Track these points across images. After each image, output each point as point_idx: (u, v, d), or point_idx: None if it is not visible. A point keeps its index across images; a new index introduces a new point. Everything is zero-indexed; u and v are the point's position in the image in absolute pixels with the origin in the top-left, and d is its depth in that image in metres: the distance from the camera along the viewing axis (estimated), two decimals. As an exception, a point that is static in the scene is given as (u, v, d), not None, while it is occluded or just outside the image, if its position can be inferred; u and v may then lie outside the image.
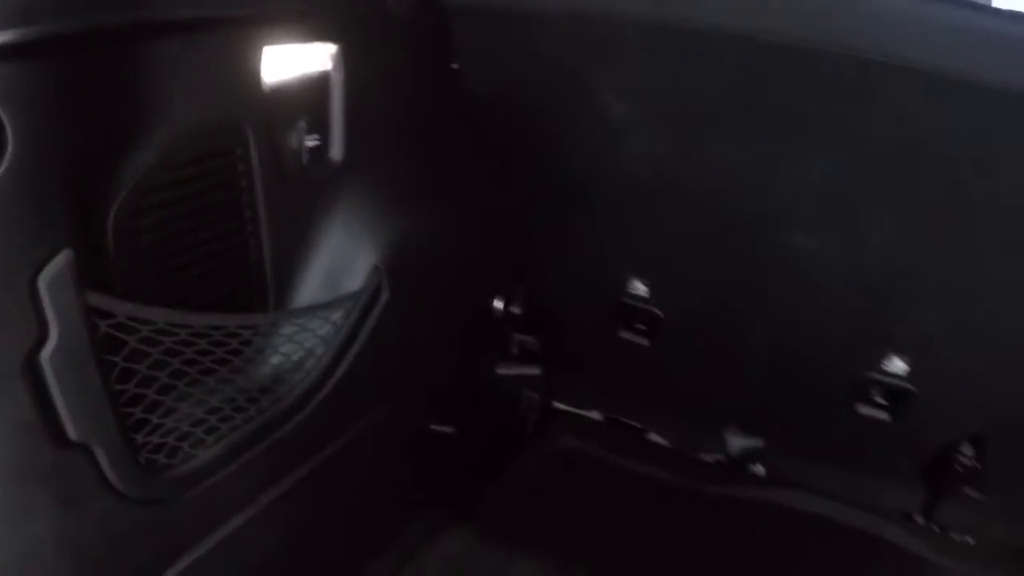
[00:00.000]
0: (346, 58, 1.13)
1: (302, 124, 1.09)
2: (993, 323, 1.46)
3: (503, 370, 1.85)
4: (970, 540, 1.83)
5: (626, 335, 1.80)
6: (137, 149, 0.88)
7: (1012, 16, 1.13)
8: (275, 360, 1.11)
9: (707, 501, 1.88)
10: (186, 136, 0.93)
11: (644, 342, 1.80)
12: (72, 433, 0.84)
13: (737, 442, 1.95)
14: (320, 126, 1.13)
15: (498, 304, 1.73)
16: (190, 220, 0.98)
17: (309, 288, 1.18)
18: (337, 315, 1.17)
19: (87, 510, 0.89)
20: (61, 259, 0.77)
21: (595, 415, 2.06)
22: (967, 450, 1.74)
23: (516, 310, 1.78)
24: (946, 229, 1.35)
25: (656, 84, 1.36)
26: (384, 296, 1.25)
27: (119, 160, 0.86)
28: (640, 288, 1.72)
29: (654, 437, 2.03)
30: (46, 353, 0.79)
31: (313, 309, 1.15)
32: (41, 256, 0.76)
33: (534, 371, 1.87)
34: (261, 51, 0.99)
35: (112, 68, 0.83)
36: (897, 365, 1.61)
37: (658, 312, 1.74)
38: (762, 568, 1.74)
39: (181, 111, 0.92)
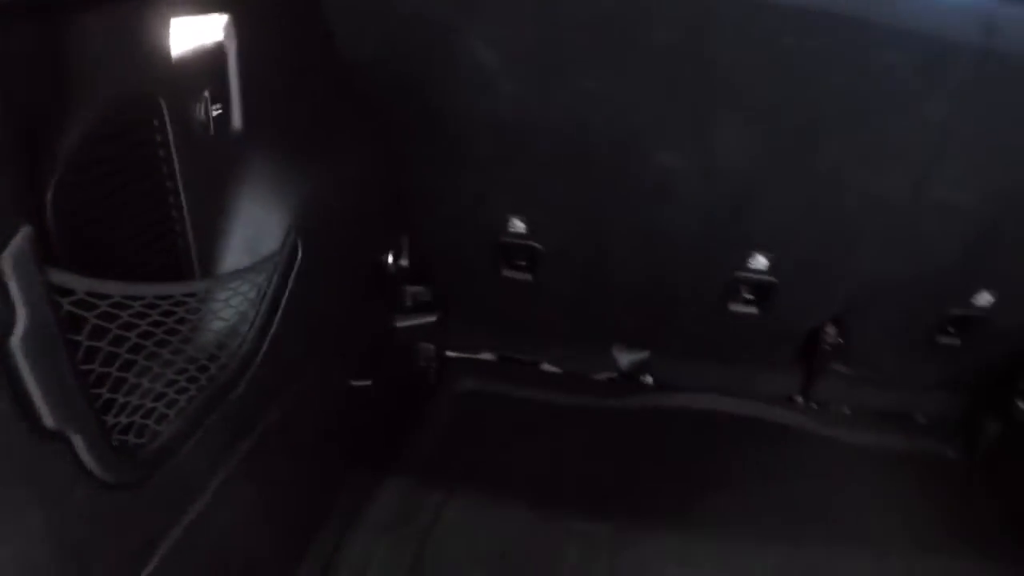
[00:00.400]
0: (237, 28, 1.15)
1: (206, 95, 1.10)
2: (840, 219, 1.67)
3: (401, 322, 1.91)
4: (846, 409, 2.06)
5: (509, 273, 1.90)
6: (66, 126, 0.88)
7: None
8: (215, 327, 1.13)
9: (607, 415, 2.02)
10: (107, 109, 0.93)
11: (527, 277, 1.90)
12: (48, 421, 0.82)
13: (625, 357, 2.10)
14: (221, 96, 1.14)
15: (388, 259, 1.78)
16: (119, 195, 0.98)
17: (231, 255, 1.20)
18: (261, 278, 1.20)
19: (69, 501, 0.88)
20: (22, 237, 0.76)
21: (488, 356, 2.14)
22: (830, 331, 1.96)
23: (404, 263, 1.83)
24: (793, 140, 1.53)
25: (518, 30, 1.45)
26: (299, 256, 1.28)
27: (54, 137, 0.86)
28: (519, 226, 1.81)
29: (547, 367, 2.14)
30: (16, 338, 0.78)
31: (241, 272, 1.17)
32: (3, 235, 0.75)
33: (430, 319, 1.94)
34: (168, 23, 1.00)
35: (40, 43, 0.83)
36: (760, 261, 1.79)
37: (538, 246, 1.84)
38: (671, 466, 1.89)
39: (101, 84, 0.92)
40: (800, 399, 2.10)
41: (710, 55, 1.41)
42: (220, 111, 1.14)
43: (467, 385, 2.06)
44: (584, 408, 2.03)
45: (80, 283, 0.85)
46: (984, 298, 1.79)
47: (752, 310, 1.89)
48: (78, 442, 0.86)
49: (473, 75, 1.51)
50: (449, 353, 2.10)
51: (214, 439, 1.11)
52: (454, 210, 1.82)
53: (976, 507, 1.86)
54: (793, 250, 1.77)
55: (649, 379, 2.12)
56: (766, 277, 1.81)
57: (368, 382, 1.65)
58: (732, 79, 1.44)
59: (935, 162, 1.54)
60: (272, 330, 1.22)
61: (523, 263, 1.89)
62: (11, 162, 0.77)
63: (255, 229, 1.22)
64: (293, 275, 1.27)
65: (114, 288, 0.90)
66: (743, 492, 1.81)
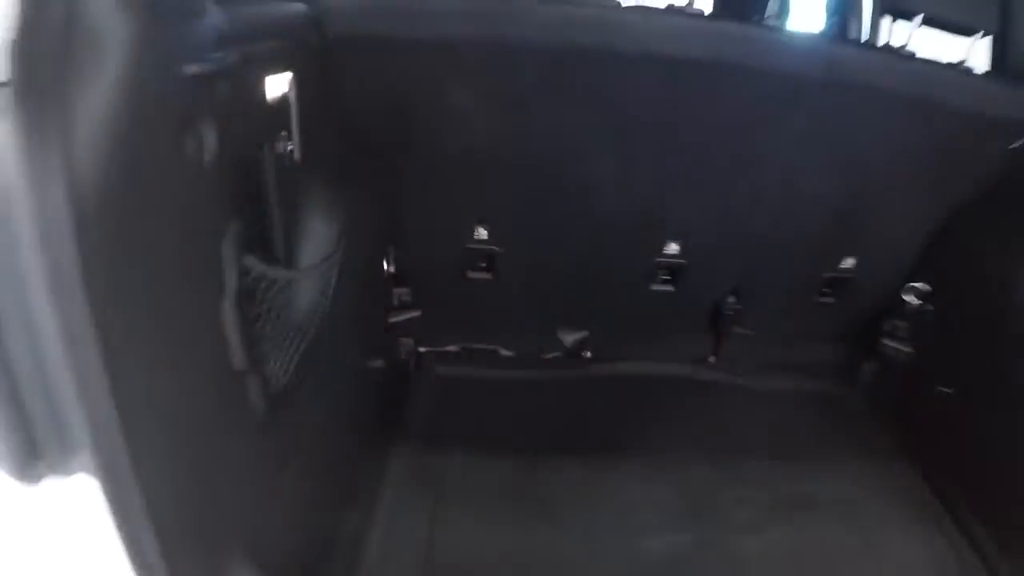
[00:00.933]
0: (296, 82, 1.51)
1: (284, 134, 1.46)
2: (731, 211, 2.16)
3: (392, 319, 2.27)
4: (752, 364, 2.52)
5: (473, 274, 2.29)
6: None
7: (697, 14, 1.87)
8: (301, 304, 1.48)
9: (558, 385, 2.42)
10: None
11: (487, 276, 2.30)
12: (238, 365, 1.18)
13: (568, 337, 2.52)
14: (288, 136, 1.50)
15: (385, 264, 2.15)
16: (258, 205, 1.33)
17: (304, 254, 1.54)
18: (325, 268, 1.56)
19: (249, 430, 1.23)
20: (232, 230, 1.13)
21: (452, 348, 2.51)
22: (731, 300, 2.43)
23: (392, 269, 2.21)
24: (692, 155, 2.02)
25: (486, 79, 1.87)
26: (339, 256, 1.65)
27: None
28: (482, 233, 2.22)
29: (503, 352, 2.53)
30: (226, 303, 1.14)
31: (322, 264, 1.53)
32: (224, 227, 1.11)
33: (415, 314, 2.31)
34: (264, 82, 1.36)
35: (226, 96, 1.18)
36: (672, 248, 2.25)
37: (497, 249, 2.25)
38: (614, 420, 2.30)
39: (248, 125, 1.28)
40: (712, 359, 2.56)
41: (629, 94, 1.88)
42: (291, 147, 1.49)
43: (440, 372, 2.41)
44: (538, 381, 2.42)
45: (256, 266, 1.21)
46: (849, 262, 2.30)
47: (669, 288, 2.35)
48: (250, 382, 1.22)
49: (450, 117, 1.92)
50: (421, 348, 2.45)
51: (308, 383, 1.45)
52: (431, 224, 2.19)
53: (859, 430, 2.34)
54: (697, 237, 2.23)
55: (588, 354, 2.53)
56: (678, 260, 2.27)
57: (380, 363, 2.02)
58: (644, 113, 1.92)
59: (798, 164, 2.05)
60: (332, 308, 1.58)
61: (484, 265, 2.28)
62: (229, 183, 1.13)
63: (316, 235, 1.58)
64: (338, 270, 1.63)
65: (273, 272, 1.26)
66: (675, 432, 2.23)
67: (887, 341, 2.34)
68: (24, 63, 0.77)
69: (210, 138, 1.06)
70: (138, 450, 0.89)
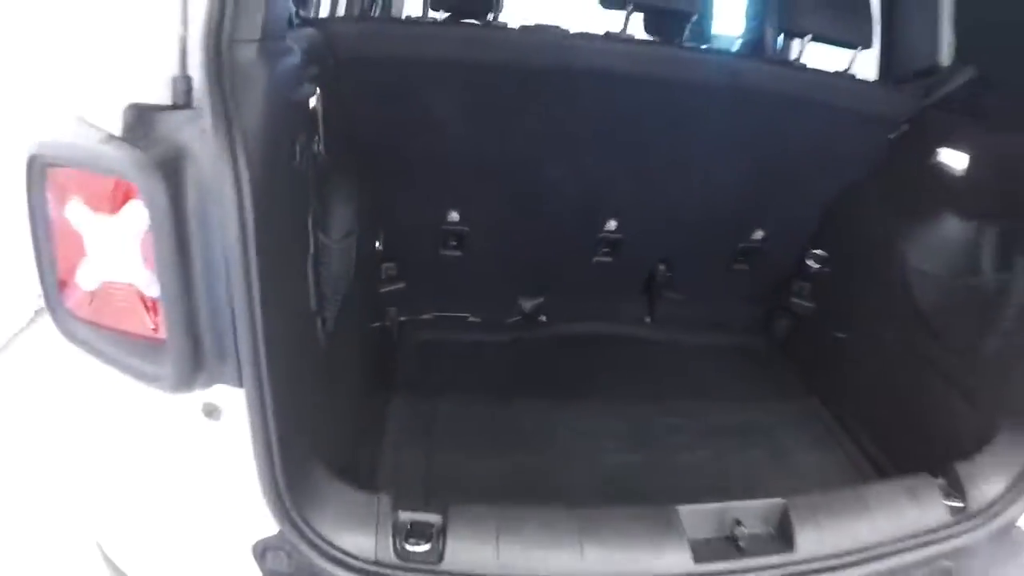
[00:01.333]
0: (321, 96, 1.87)
1: (317, 135, 1.82)
2: (661, 195, 2.60)
3: (383, 288, 2.65)
4: (681, 322, 2.95)
5: (445, 252, 2.68)
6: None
7: (629, 39, 2.32)
8: (337, 268, 1.84)
9: (519, 345, 2.82)
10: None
11: (459, 253, 2.69)
12: (313, 306, 1.57)
13: (526, 303, 2.92)
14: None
15: (377, 242, 2.52)
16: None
17: (334, 230, 1.89)
18: (351, 241, 1.94)
19: (319, 356, 1.61)
20: (311, 209, 1.52)
21: (428, 316, 2.90)
22: (662, 269, 2.87)
23: (380, 247, 2.58)
24: (628, 153, 2.47)
25: (461, 95, 2.27)
26: (358, 232, 2.03)
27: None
28: (454, 216, 2.61)
29: (472, 318, 2.92)
30: (309, 261, 1.53)
31: (351, 236, 1.91)
32: (308, 207, 1.50)
33: (401, 286, 2.68)
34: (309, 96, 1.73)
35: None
36: (611, 224, 2.68)
37: (466, 229, 2.64)
38: (569, 371, 2.70)
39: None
40: (648, 319, 3.00)
41: (578, 103, 2.31)
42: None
43: (420, 337, 2.78)
44: (503, 342, 2.82)
45: (320, 236, 1.60)
46: (758, 234, 2.76)
47: (609, 259, 2.78)
48: (317, 320, 1.60)
49: (432, 123, 2.31)
50: (402, 317, 2.82)
51: (341, 328, 1.83)
52: (412, 209, 2.57)
53: (773, 374, 2.79)
54: (631, 216, 2.67)
55: (544, 318, 2.94)
56: (615, 235, 2.70)
57: (380, 323, 2.41)
58: (590, 117, 2.36)
59: (713, 156, 2.51)
60: (356, 272, 1.96)
61: (454, 243, 2.67)
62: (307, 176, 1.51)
63: (340, 215, 1.93)
64: (356, 245, 2.01)
65: (327, 241, 1.64)
66: (620, 379, 2.65)
67: (795, 299, 2.80)
68: (206, 94, 1.15)
69: (300, 144, 1.45)
70: (267, 361, 1.26)
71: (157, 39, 1.19)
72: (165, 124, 1.18)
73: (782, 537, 1.57)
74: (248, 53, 1.22)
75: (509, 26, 2.27)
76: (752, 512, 1.60)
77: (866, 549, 1.57)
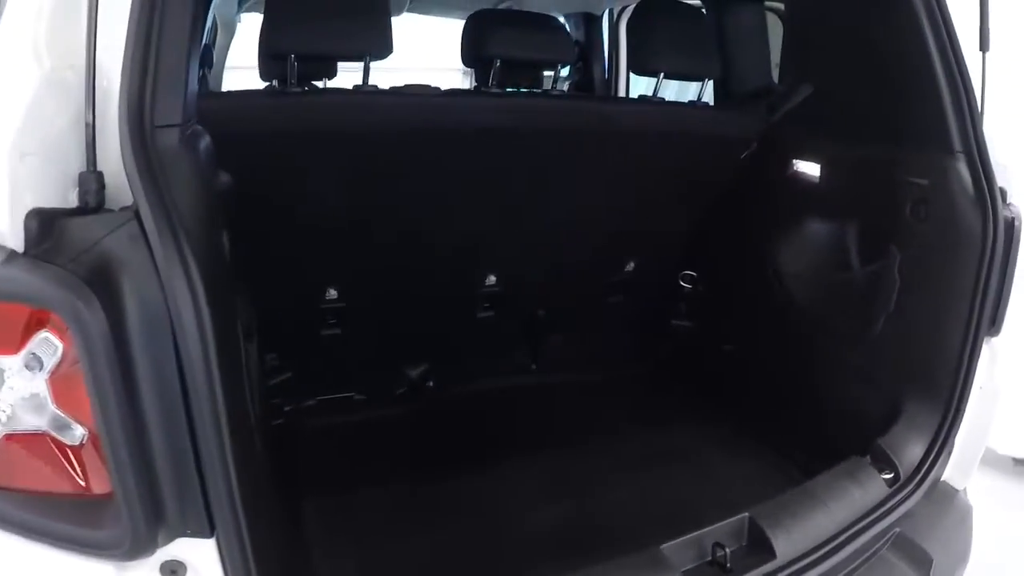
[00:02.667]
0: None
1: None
2: (536, 244, 2.59)
3: (271, 381, 2.47)
4: (569, 363, 2.95)
5: (326, 331, 2.56)
6: None
7: (492, 93, 2.29)
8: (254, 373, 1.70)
9: (412, 417, 2.72)
10: None
11: (338, 331, 2.57)
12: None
13: (412, 372, 2.83)
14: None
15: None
16: None
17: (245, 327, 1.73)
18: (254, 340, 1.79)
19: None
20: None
21: (312, 402, 2.73)
22: (541, 313, 2.87)
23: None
24: (501, 203, 2.44)
25: (330, 165, 2.16)
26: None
27: None
28: (333, 293, 2.49)
29: (357, 396, 2.78)
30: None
31: (253, 335, 1.76)
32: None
33: (287, 375, 2.53)
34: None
35: None
36: (491, 279, 2.66)
37: (344, 305, 2.52)
38: (468, 434, 2.60)
39: None
40: (534, 366, 2.98)
41: (449, 160, 2.27)
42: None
43: (309, 426, 2.61)
44: (395, 416, 2.72)
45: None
46: (630, 265, 2.82)
47: (491, 314, 2.75)
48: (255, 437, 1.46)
49: (303, 196, 2.19)
50: (286, 408, 2.65)
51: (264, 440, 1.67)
52: (289, 290, 2.43)
53: (675, 401, 2.81)
54: (509, 269, 2.65)
55: (431, 383, 2.85)
56: (496, 289, 2.68)
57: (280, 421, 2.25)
58: (462, 173, 2.31)
59: (583, 199, 2.54)
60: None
61: (334, 321, 2.55)
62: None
63: (244, 312, 1.75)
64: None
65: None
66: (524, 431, 2.60)
67: (674, 321, 2.88)
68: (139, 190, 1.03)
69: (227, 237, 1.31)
70: (241, 498, 1.12)
71: (49, 129, 1.04)
72: (81, 231, 1.02)
73: (761, 548, 1.63)
74: (170, 140, 1.10)
75: (379, 88, 2.18)
76: (726, 532, 1.65)
77: (832, 539, 1.68)
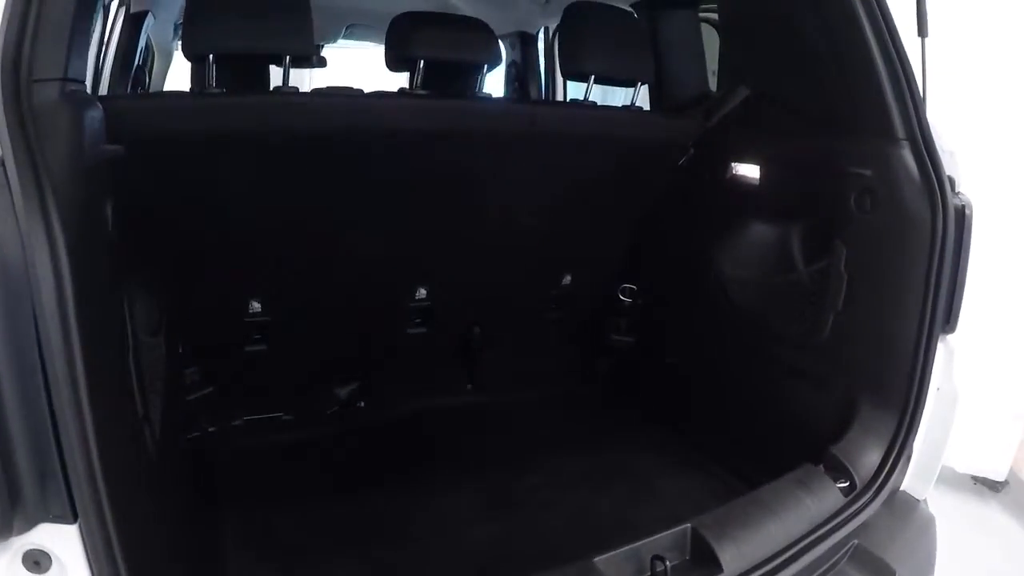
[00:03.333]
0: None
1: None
2: (467, 255, 2.49)
3: (191, 396, 2.30)
4: (505, 382, 2.84)
5: (250, 348, 2.41)
6: None
7: (419, 94, 2.19)
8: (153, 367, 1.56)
9: (343, 438, 2.57)
10: None
11: (263, 347, 2.42)
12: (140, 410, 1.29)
13: (342, 391, 2.69)
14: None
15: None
16: None
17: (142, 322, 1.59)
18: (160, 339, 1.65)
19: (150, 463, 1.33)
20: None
21: (237, 422, 2.56)
22: (476, 331, 2.76)
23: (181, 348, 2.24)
24: (429, 208, 2.33)
25: (251, 169, 2.04)
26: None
27: None
28: (256, 306, 2.34)
29: (285, 417, 2.62)
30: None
31: (159, 334, 1.62)
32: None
33: (208, 390, 2.36)
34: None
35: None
36: (421, 292, 2.54)
37: (268, 319, 2.38)
38: (400, 455, 2.49)
39: None
40: (469, 385, 2.86)
41: (373, 164, 2.15)
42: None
43: (234, 445, 2.45)
44: (324, 436, 2.57)
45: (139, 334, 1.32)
46: (567, 279, 2.72)
47: (423, 330, 2.63)
48: (146, 429, 1.32)
49: (224, 203, 2.07)
50: (210, 428, 2.48)
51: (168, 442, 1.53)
52: (211, 303, 2.29)
53: (616, 416, 2.73)
54: (440, 280, 2.54)
55: (362, 403, 2.72)
56: (426, 302, 2.56)
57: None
58: (387, 178, 2.19)
59: (515, 207, 2.44)
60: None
61: (258, 336, 2.40)
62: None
63: (144, 306, 1.60)
64: None
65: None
66: (458, 452, 2.50)
67: (614, 336, 2.79)
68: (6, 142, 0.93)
69: (111, 211, 1.19)
70: (105, 483, 1.00)
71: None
72: None
73: (705, 560, 1.50)
74: (48, 94, 1.02)
75: (300, 90, 2.06)
76: (666, 544, 1.53)
77: (785, 550, 1.56)
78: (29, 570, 1.01)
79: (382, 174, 2.18)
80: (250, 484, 2.28)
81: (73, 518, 1.00)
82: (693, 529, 1.54)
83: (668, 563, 1.45)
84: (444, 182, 2.29)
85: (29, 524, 1.00)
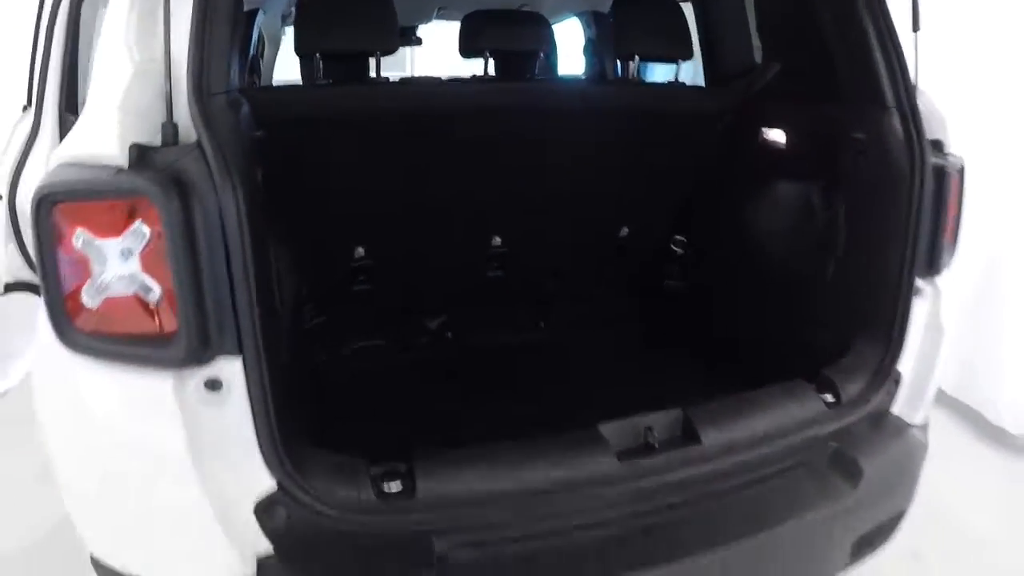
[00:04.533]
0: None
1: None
2: (538, 210, 2.93)
3: (307, 325, 2.85)
4: (573, 323, 3.26)
5: (357, 287, 2.94)
6: None
7: (489, 79, 2.76)
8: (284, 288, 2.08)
9: (431, 363, 3.06)
10: None
11: (368, 287, 2.94)
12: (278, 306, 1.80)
13: (432, 324, 3.18)
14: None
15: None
16: None
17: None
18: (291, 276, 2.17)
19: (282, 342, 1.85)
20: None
21: (347, 351, 3.07)
22: (547, 276, 3.20)
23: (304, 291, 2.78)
24: (501, 175, 2.80)
25: (356, 143, 2.56)
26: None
27: None
28: (360, 252, 2.88)
29: (385, 345, 3.12)
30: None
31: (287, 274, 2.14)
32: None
33: (323, 318, 2.91)
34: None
35: None
36: (497, 240, 3.02)
37: (371, 263, 2.90)
38: (481, 376, 2.92)
39: None
40: (543, 324, 3.31)
41: (458, 136, 2.64)
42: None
43: (344, 366, 2.97)
44: (415, 361, 3.07)
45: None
46: (625, 231, 3.15)
47: (500, 274, 3.10)
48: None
49: (335, 171, 2.59)
50: (323, 358, 2.97)
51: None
52: (326, 250, 2.83)
53: (649, 356, 3.09)
54: (513, 231, 3.01)
55: (450, 334, 3.19)
56: (502, 250, 3.03)
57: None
58: (470, 147, 2.68)
59: (579, 170, 2.88)
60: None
61: (363, 278, 2.93)
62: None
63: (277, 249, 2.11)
64: None
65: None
66: (528, 378, 2.88)
67: (668, 281, 3.19)
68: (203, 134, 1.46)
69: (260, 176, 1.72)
70: (261, 333, 1.51)
71: (140, 99, 1.51)
72: (163, 158, 1.46)
73: (689, 436, 1.90)
74: (220, 102, 1.57)
75: (390, 80, 2.60)
76: (659, 420, 1.93)
77: (761, 437, 1.92)
78: (209, 390, 1.52)
79: (459, 143, 2.68)
80: (357, 399, 2.73)
81: (239, 352, 1.50)
82: (683, 411, 1.93)
83: (656, 433, 1.87)
84: (511, 148, 2.75)
85: (211, 357, 1.51)
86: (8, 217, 2.90)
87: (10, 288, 3.04)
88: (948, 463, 3.34)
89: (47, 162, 2.62)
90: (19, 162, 2.83)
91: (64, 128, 2.80)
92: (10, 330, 3.94)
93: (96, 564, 1.76)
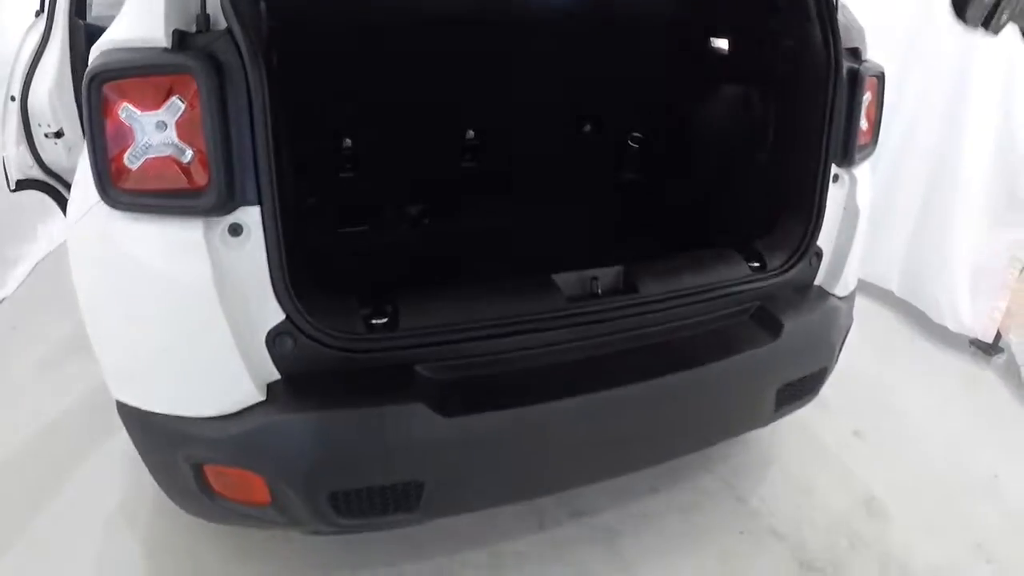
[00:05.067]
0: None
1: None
2: (504, 108, 3.30)
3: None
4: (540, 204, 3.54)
5: (343, 175, 3.27)
6: None
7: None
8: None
9: (411, 243, 3.39)
10: None
11: (352, 174, 3.28)
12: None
13: (412, 210, 3.47)
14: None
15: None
16: None
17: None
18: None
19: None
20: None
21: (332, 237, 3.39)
22: (515, 168, 3.51)
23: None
24: (475, 78, 3.22)
25: (347, 43, 2.90)
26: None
27: None
28: (348, 142, 3.23)
29: (367, 230, 3.42)
30: None
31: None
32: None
33: (312, 200, 3.15)
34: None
35: None
36: (470, 134, 3.40)
37: (356, 151, 3.23)
38: (448, 250, 3.16)
39: None
40: (511, 210, 3.62)
41: (433, 44, 2.99)
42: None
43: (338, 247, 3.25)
44: (398, 242, 3.37)
45: None
46: (587, 127, 3.56)
47: (473, 164, 3.43)
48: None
49: (328, 66, 2.90)
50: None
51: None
52: (318, 136, 3.12)
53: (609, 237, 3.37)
54: (485, 127, 3.38)
55: (427, 220, 3.48)
56: (475, 142, 3.38)
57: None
58: (445, 54, 3.01)
59: (544, 74, 3.23)
60: None
61: (350, 166, 3.25)
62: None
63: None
64: None
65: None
66: (498, 250, 3.07)
67: (624, 171, 3.57)
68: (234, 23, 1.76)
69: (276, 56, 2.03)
70: (276, 186, 1.81)
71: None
72: (200, 41, 1.74)
73: (628, 286, 2.25)
74: None
75: None
76: (604, 274, 2.26)
77: (692, 291, 2.26)
78: (231, 235, 1.78)
79: (438, 47, 2.99)
80: (347, 266, 2.96)
81: (258, 201, 1.77)
82: (624, 267, 2.25)
83: (600, 283, 2.20)
84: (483, 56, 3.09)
85: (235, 206, 1.77)
86: (20, 118, 3.13)
87: (21, 185, 3.30)
88: (893, 356, 3.87)
89: (58, 65, 3.01)
90: (31, 65, 3.07)
91: (74, 33, 3.05)
92: (5, 240, 4.24)
93: (122, 408, 2.01)
